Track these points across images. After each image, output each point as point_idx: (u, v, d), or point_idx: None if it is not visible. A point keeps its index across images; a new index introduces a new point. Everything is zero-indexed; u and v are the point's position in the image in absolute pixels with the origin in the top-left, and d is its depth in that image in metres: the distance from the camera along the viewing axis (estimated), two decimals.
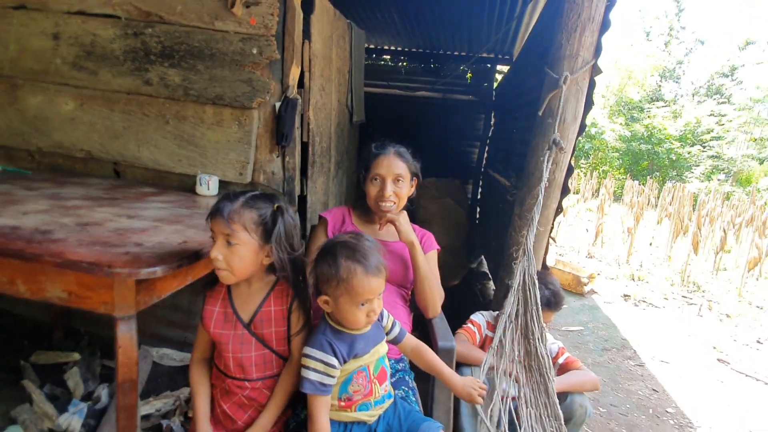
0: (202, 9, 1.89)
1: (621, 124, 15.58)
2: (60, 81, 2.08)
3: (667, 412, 2.33)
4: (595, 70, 1.70)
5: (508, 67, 4.92)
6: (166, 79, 1.98)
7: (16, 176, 1.97)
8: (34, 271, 1.07)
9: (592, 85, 1.73)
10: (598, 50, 1.66)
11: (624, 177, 14.23)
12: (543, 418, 1.11)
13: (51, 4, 2.01)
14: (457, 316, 1.84)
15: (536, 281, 1.33)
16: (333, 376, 0.95)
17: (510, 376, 1.29)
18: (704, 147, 14.18)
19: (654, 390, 2.55)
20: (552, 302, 1.57)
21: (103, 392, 1.77)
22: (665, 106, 15.40)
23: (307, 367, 0.95)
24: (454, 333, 1.62)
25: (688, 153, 14.17)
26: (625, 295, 4.27)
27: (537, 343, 1.21)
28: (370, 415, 1.02)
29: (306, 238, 2.12)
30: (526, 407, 1.16)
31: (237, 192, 1.03)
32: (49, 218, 1.26)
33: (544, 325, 1.37)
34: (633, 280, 4.90)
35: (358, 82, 3.09)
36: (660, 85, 17.18)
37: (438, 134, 4.96)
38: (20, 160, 2.23)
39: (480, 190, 5.26)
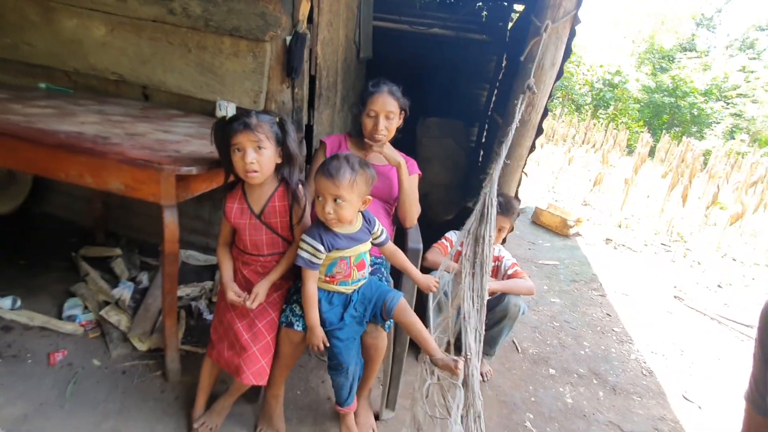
0: None
1: (647, 73, 14.95)
2: (91, 6, 2.27)
3: (613, 330, 2.74)
4: (576, 20, 1.85)
5: (524, 7, 4.82)
6: (188, 9, 2.17)
7: (60, 94, 2.25)
8: (98, 167, 1.39)
9: (572, 35, 1.89)
10: (579, 1, 1.81)
11: (642, 130, 13.97)
12: (474, 297, 1.46)
13: None
14: None
15: (494, 203, 1.62)
16: (319, 258, 1.29)
17: (459, 273, 1.65)
18: (728, 104, 13.69)
19: (608, 314, 2.94)
20: (503, 206, 1.89)
21: (144, 277, 2.20)
22: (697, 57, 14.64)
23: (302, 248, 1.28)
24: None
25: (711, 109, 13.72)
26: (607, 239, 4.58)
27: (485, 246, 1.53)
28: (347, 289, 1.38)
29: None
30: (467, 291, 1.51)
31: (245, 112, 1.30)
32: (102, 128, 1.56)
33: (495, 237, 1.69)
34: (620, 227, 5.18)
35: (367, 18, 3.19)
36: (695, 34, 16.18)
37: (447, 74, 4.98)
38: (59, 79, 2.49)
39: (485, 133, 5.39)
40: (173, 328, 1.61)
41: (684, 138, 11.34)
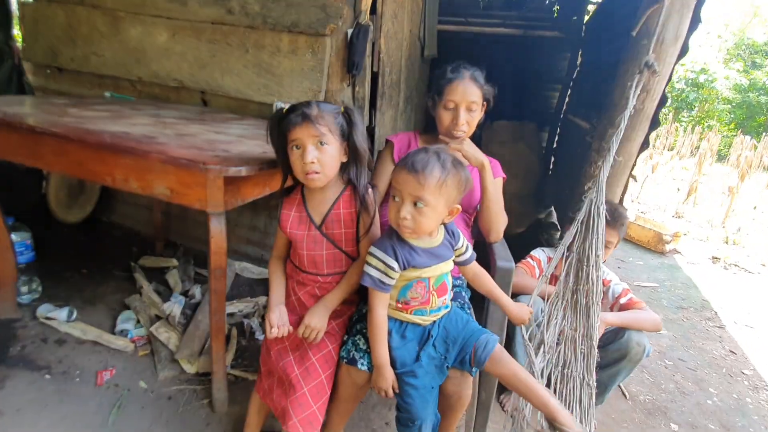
0: None
1: (738, 70, 13.29)
2: (155, 13, 2.24)
3: (743, 373, 2.18)
4: None
5: None
6: (246, 7, 2.05)
7: (122, 101, 2.23)
8: (143, 170, 1.24)
9: (701, 1, 1.50)
10: None
11: (733, 134, 12.34)
12: (578, 338, 1.11)
13: None
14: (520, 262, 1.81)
15: (602, 212, 1.27)
16: (392, 277, 1.01)
17: (549, 300, 1.29)
18: None
19: (732, 352, 2.38)
20: (608, 215, 1.49)
21: (196, 290, 2.06)
22: None
23: (370, 264, 1.01)
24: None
25: None
26: (714, 258, 3.88)
27: (590, 270, 1.18)
28: (424, 320, 1.08)
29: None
30: (568, 330, 1.17)
31: (302, 102, 1.06)
32: (153, 129, 1.43)
33: (604, 256, 1.33)
34: (726, 243, 4.41)
35: (432, 12, 2.95)
36: None
37: (515, 76, 4.59)
38: (124, 89, 2.50)
39: (557, 138, 4.91)
40: (221, 352, 1.41)
41: None
